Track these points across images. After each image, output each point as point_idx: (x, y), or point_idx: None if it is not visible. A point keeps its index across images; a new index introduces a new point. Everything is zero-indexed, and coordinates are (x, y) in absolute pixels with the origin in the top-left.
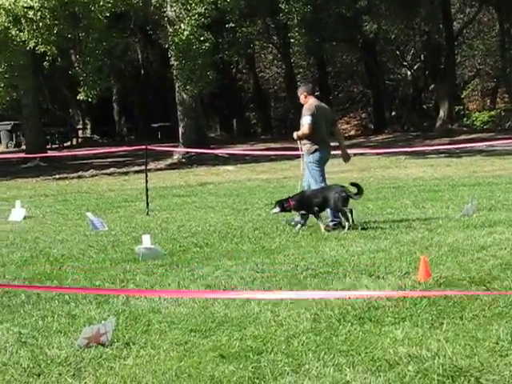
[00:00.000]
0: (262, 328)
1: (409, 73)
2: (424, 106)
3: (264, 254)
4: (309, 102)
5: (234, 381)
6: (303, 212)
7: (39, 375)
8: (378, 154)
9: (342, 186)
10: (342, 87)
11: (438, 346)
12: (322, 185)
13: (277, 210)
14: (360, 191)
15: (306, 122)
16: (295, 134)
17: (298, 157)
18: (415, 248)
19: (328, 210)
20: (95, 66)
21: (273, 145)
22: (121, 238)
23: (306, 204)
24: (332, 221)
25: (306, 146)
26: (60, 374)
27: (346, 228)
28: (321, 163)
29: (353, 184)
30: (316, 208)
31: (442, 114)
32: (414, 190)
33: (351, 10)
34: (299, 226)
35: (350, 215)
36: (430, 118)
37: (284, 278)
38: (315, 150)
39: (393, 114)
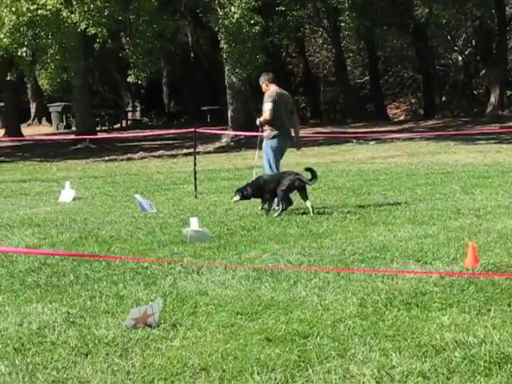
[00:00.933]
0: (308, 312)
1: (460, 58)
2: (474, 92)
3: (311, 238)
4: (270, 90)
5: (279, 364)
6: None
7: (87, 355)
8: (426, 139)
9: (297, 174)
10: (392, 72)
11: (484, 332)
12: (275, 171)
13: (237, 198)
14: (314, 176)
15: (267, 108)
16: (258, 121)
17: (347, 141)
18: (463, 234)
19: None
20: (145, 49)
21: (321, 129)
22: (169, 220)
23: (262, 190)
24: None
25: (266, 132)
26: (107, 354)
27: (277, 213)
28: (278, 150)
29: (307, 169)
30: (267, 195)
31: (492, 99)
32: (463, 176)
33: None
34: (278, 211)
35: (308, 205)
36: (480, 103)
37: (331, 263)
38: (274, 136)
39: (443, 99)
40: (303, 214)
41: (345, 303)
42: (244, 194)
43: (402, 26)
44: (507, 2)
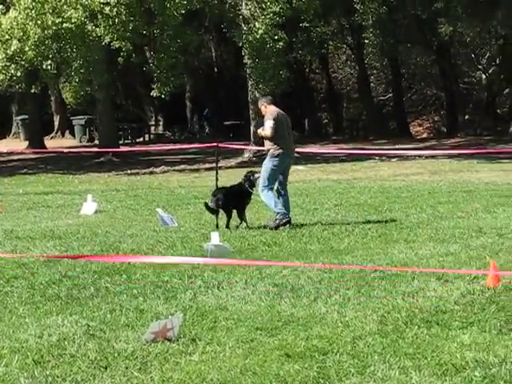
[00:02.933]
0: (328, 328)
1: (483, 76)
2: (498, 111)
3: (332, 254)
4: (270, 109)
5: (298, 380)
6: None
7: (106, 368)
8: (449, 156)
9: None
10: (416, 89)
11: (505, 352)
12: (268, 187)
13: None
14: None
15: (268, 125)
16: (262, 133)
17: (370, 158)
18: (485, 253)
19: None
20: (169, 63)
21: (344, 145)
22: (190, 234)
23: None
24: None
25: (270, 151)
26: (127, 368)
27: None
28: (278, 168)
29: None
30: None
31: None
32: (486, 195)
33: (427, 11)
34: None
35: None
36: (503, 122)
37: (351, 279)
38: (278, 155)
39: (466, 117)
40: (323, 230)
41: (365, 320)
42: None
43: (425, 43)
44: None
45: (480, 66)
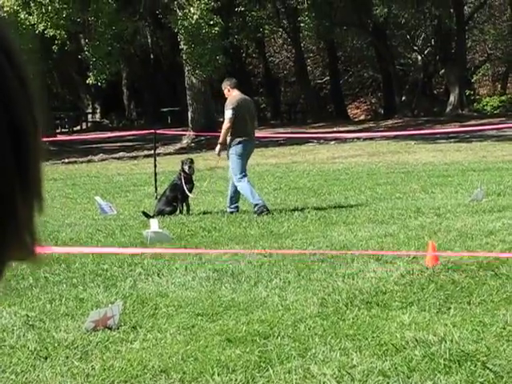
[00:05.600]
0: (269, 312)
1: (419, 58)
2: (434, 91)
3: (272, 238)
4: (232, 95)
5: (240, 364)
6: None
7: (46, 358)
8: (387, 138)
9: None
10: (352, 72)
11: (444, 330)
12: (240, 176)
13: None
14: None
15: (227, 116)
16: (217, 149)
17: (308, 142)
18: (423, 233)
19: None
20: (104, 50)
21: (282, 129)
22: (129, 222)
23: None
24: (229, 207)
25: (229, 138)
26: (67, 357)
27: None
28: (243, 156)
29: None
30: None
31: (452, 99)
32: (423, 175)
33: None
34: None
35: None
36: (440, 103)
37: (291, 263)
38: (239, 143)
39: (403, 99)
40: (264, 214)
41: (305, 303)
42: None
43: (361, 25)
44: (465, 1)
45: (415, 47)
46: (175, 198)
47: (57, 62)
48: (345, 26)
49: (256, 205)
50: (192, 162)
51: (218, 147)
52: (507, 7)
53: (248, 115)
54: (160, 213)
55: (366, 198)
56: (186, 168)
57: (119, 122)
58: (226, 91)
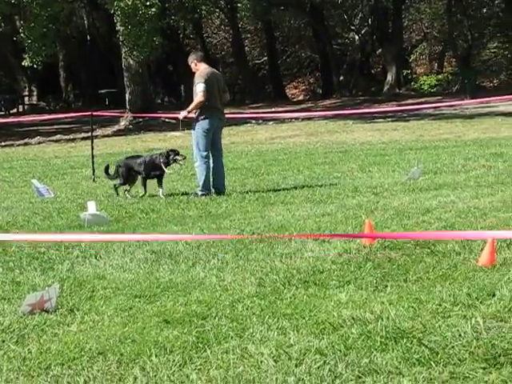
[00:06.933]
0: (206, 293)
1: (356, 37)
2: (372, 71)
3: (210, 219)
4: (200, 69)
5: (177, 345)
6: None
7: None
8: (325, 118)
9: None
10: (290, 52)
11: (381, 308)
12: (204, 154)
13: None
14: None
15: (199, 89)
16: (181, 115)
17: (246, 122)
18: (361, 212)
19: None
20: (40, 32)
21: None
22: (66, 204)
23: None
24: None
25: (197, 114)
26: (3, 341)
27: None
28: (208, 132)
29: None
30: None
31: (389, 78)
32: (361, 155)
33: None
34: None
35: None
36: (377, 82)
37: (229, 243)
38: (205, 118)
39: (341, 78)
40: (202, 195)
41: (243, 283)
42: None
43: (298, 5)
44: None
45: (353, 27)
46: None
47: None
48: (282, 7)
49: (202, 191)
50: (178, 154)
51: (183, 112)
52: None
53: (217, 89)
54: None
55: (304, 177)
56: (172, 156)
57: (56, 104)
58: (192, 65)
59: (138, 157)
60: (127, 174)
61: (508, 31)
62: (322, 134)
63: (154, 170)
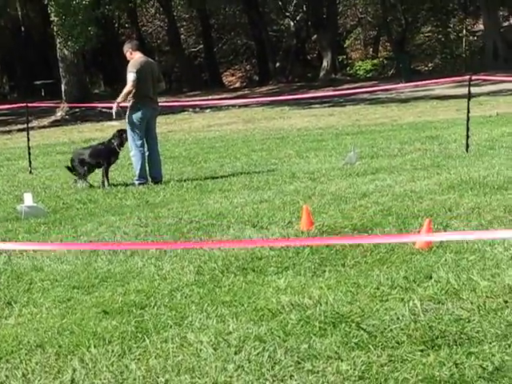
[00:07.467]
0: (145, 282)
1: (292, 24)
2: (308, 57)
3: (148, 208)
4: (134, 58)
5: (116, 336)
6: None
7: None
8: (262, 104)
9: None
10: (226, 39)
11: (319, 293)
12: (139, 143)
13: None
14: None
15: (129, 79)
16: (115, 106)
17: (183, 110)
18: (298, 198)
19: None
20: None
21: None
22: (3, 197)
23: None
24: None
25: (130, 102)
26: None
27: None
28: (142, 121)
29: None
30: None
31: (325, 63)
32: (298, 140)
33: None
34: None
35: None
36: (313, 68)
37: (168, 232)
38: (138, 107)
39: (277, 65)
40: (139, 184)
41: (182, 272)
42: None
43: None
44: None
45: (288, 14)
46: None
47: None
48: None
49: (139, 180)
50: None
51: (114, 106)
52: None
53: (151, 78)
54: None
55: (241, 164)
56: (122, 134)
57: None
58: (128, 54)
59: (89, 148)
60: (83, 166)
61: (441, 15)
62: (259, 120)
63: (113, 156)
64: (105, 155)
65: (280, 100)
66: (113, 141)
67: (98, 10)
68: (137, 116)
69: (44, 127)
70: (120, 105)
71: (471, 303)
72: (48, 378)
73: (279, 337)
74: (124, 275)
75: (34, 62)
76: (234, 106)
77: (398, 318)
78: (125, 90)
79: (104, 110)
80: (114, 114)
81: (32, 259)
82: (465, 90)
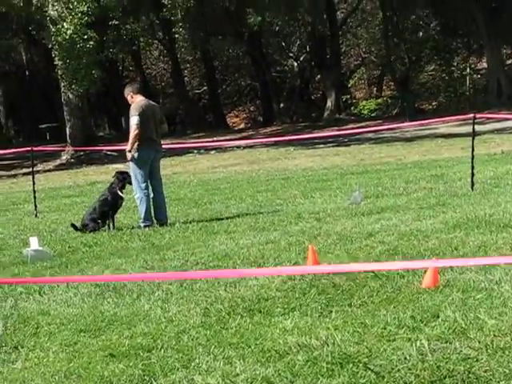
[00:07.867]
0: (151, 325)
1: (295, 64)
2: (312, 97)
3: (154, 250)
4: (136, 101)
5: (123, 379)
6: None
7: None
8: (266, 145)
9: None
10: (230, 81)
11: (326, 334)
12: (143, 185)
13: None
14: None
15: (133, 122)
16: (129, 144)
17: (188, 152)
18: (304, 238)
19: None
20: None
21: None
22: (9, 241)
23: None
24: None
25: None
26: None
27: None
28: (144, 163)
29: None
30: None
31: (329, 103)
32: (303, 181)
33: (234, 2)
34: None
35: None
36: (318, 108)
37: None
38: (141, 150)
39: (281, 105)
40: (145, 226)
41: (188, 314)
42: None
43: (236, 34)
44: (338, 6)
45: (291, 54)
46: (104, 214)
47: None
48: (220, 36)
49: (144, 223)
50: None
51: (128, 156)
52: (379, 11)
53: (153, 121)
54: (84, 227)
55: (246, 205)
56: (127, 178)
57: None
58: (129, 98)
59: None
60: (97, 223)
61: (444, 54)
62: (264, 161)
63: (118, 200)
64: (111, 205)
65: (284, 140)
66: (113, 185)
67: (102, 54)
68: (140, 158)
69: (49, 171)
70: (132, 152)
71: (479, 342)
72: None
73: (286, 378)
74: (130, 318)
75: (39, 105)
76: (238, 147)
77: (405, 358)
78: (131, 136)
79: (109, 152)
80: (129, 160)
81: (38, 303)
82: (469, 128)
